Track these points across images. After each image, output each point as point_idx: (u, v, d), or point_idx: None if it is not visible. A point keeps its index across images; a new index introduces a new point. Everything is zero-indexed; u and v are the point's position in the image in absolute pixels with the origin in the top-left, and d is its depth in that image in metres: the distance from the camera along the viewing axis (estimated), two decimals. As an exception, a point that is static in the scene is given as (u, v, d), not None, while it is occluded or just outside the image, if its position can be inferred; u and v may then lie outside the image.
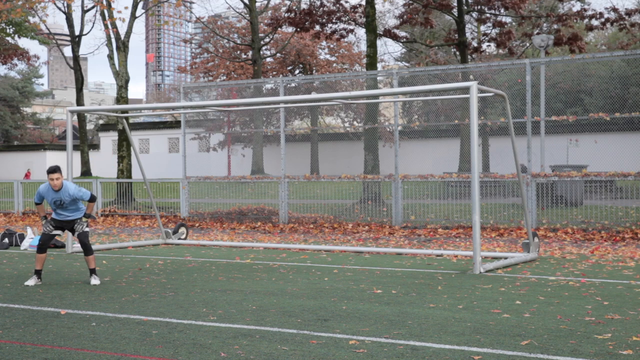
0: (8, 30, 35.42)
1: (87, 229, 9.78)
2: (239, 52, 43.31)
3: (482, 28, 33.31)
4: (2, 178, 44.25)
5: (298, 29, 29.28)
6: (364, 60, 37.33)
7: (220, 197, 19.57)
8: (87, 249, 9.55)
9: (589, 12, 27.23)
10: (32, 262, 11.83)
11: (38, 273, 9.42)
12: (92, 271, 9.54)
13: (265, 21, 39.10)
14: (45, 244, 9.53)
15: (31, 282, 9.32)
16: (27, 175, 46.91)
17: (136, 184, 22.71)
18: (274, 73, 42.72)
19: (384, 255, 12.23)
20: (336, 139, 38.03)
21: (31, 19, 34.86)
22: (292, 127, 36.18)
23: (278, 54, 41.93)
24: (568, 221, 14.89)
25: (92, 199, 9.76)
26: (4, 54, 41.09)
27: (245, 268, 10.76)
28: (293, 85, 27.61)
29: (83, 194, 9.64)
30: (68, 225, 9.77)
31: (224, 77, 42.86)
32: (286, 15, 29.54)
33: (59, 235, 9.93)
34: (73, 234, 9.79)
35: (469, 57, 28.75)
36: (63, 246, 13.84)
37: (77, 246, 13.60)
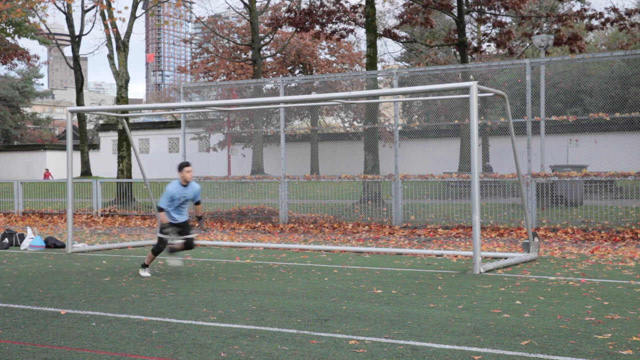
0: (8, 30, 35.41)
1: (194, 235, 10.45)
2: (239, 52, 43.30)
3: (482, 28, 33.30)
4: (2, 178, 44.24)
5: (298, 29, 29.27)
6: (364, 60, 37.32)
7: (220, 197, 19.57)
8: (190, 248, 10.21)
9: (589, 12, 27.21)
10: (32, 262, 11.84)
11: (146, 266, 10.07)
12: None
13: (265, 21, 39.09)
14: (161, 250, 9.98)
15: (146, 272, 9.97)
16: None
17: (136, 184, 22.71)
18: (274, 73, 42.71)
19: (384, 255, 12.23)
20: (336, 139, 38.01)
21: (31, 19, 34.85)
22: (292, 127, 36.17)
23: (278, 54, 41.92)
24: (568, 221, 14.89)
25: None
26: (4, 54, 41.08)
27: (245, 268, 10.76)
28: (293, 85, 27.60)
29: (199, 192, 10.32)
30: (183, 227, 10.10)
31: (224, 77, 42.85)
32: (286, 15, 29.53)
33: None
34: (182, 234, 10.07)
35: (469, 57, 28.74)
36: (63, 246, 13.84)
37: (78, 246, 13.60)
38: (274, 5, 40.80)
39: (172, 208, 9.96)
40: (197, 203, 10.28)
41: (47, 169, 48.03)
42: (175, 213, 10.02)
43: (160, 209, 9.94)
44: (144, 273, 9.95)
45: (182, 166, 10.07)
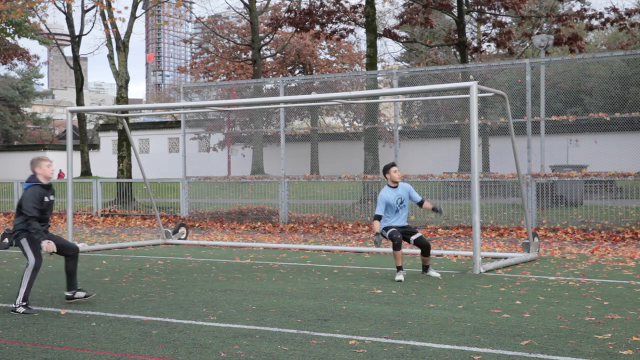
0: (8, 30, 35.38)
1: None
2: (239, 52, 43.31)
3: (482, 28, 33.30)
4: (2, 178, 44.24)
5: (298, 29, 29.28)
6: (364, 60, 37.31)
7: (220, 197, 19.56)
8: (428, 249, 9.72)
9: (589, 12, 27.22)
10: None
11: (400, 267, 9.48)
12: (427, 268, 9.81)
13: (265, 21, 39.10)
14: (400, 241, 9.48)
15: (400, 276, 9.35)
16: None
17: (136, 184, 22.70)
18: (274, 73, 42.71)
19: (384, 255, 12.23)
20: (336, 139, 38.00)
21: (31, 19, 34.81)
22: (292, 127, 36.16)
23: (278, 54, 41.93)
24: (568, 221, 14.89)
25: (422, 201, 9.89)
26: (4, 54, 41.05)
27: (245, 268, 10.76)
28: (293, 85, 27.59)
29: (412, 189, 9.87)
30: (406, 231, 9.67)
31: (224, 77, 42.86)
32: (286, 15, 29.54)
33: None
34: (409, 241, 9.69)
35: (469, 57, 28.73)
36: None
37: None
38: (274, 5, 40.81)
39: (391, 214, 9.60)
40: (421, 203, 9.83)
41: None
42: (395, 219, 9.62)
43: (377, 217, 9.55)
44: (399, 277, 9.33)
45: (388, 168, 9.72)
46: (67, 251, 8.10)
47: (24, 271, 7.67)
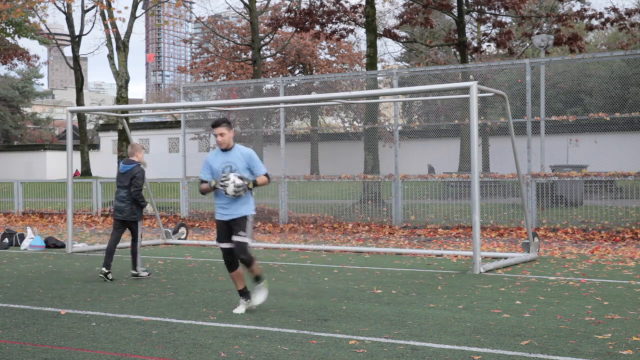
0: (8, 30, 35.39)
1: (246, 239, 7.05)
2: (239, 52, 43.29)
3: (482, 28, 33.28)
4: (2, 178, 44.24)
5: (298, 29, 29.27)
6: (364, 60, 37.29)
7: (220, 197, 19.52)
8: (243, 263, 7.12)
9: (589, 12, 27.21)
10: (32, 262, 11.84)
11: (242, 292, 7.33)
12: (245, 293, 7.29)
13: (265, 21, 39.08)
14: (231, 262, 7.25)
15: (240, 308, 7.18)
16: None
17: (136, 184, 22.66)
18: (274, 73, 42.70)
19: (384, 255, 12.23)
20: (336, 139, 37.98)
21: (31, 19, 34.81)
22: (292, 127, 36.15)
23: (278, 54, 41.92)
24: (568, 221, 14.88)
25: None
26: (4, 54, 41.03)
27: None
28: (293, 85, 27.57)
29: (254, 158, 7.11)
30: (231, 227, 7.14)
31: (224, 77, 42.84)
32: (286, 15, 29.52)
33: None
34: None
35: (469, 57, 28.72)
36: (63, 246, 13.84)
37: (78, 246, 13.59)
38: (274, 5, 40.79)
39: (218, 194, 7.36)
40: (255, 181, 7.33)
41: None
42: (222, 204, 7.42)
43: (202, 182, 7.56)
44: (238, 308, 7.23)
45: (212, 128, 7.20)
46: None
47: (135, 247, 10.13)
